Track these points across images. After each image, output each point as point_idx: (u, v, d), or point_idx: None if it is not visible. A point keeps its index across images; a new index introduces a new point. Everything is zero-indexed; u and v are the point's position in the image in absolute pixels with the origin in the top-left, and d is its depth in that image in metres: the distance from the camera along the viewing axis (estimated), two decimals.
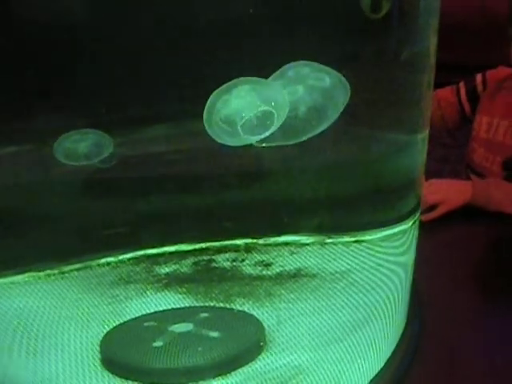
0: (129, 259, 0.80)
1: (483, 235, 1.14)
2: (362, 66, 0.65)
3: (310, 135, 0.62)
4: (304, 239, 0.81)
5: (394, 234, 0.74)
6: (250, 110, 0.58)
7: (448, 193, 1.20)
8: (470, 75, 1.43)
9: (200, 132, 0.65)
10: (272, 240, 0.81)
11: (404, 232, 0.74)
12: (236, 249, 0.80)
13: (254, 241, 0.81)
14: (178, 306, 0.73)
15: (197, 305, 0.73)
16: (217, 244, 0.80)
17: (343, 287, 0.74)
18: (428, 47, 0.70)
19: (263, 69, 0.60)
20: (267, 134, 0.59)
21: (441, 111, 1.41)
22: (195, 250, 0.80)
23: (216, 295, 0.74)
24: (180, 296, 0.75)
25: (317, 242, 0.81)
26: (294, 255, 0.80)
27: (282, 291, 0.75)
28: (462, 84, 1.42)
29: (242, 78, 0.59)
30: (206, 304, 0.73)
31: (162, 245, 0.80)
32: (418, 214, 0.78)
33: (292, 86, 0.60)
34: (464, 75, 1.44)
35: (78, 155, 0.70)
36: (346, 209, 0.75)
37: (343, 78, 0.61)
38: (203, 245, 0.80)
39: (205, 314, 0.69)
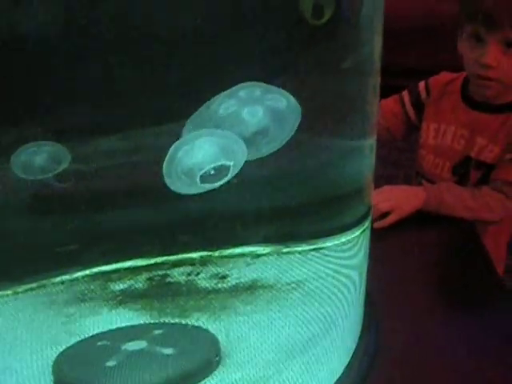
0: (83, 277, 0.78)
1: (436, 241, 1.15)
2: (305, 74, 0.64)
3: (264, 154, 0.63)
4: (260, 250, 0.80)
5: (347, 241, 0.74)
6: (210, 162, 0.59)
7: (400, 199, 1.19)
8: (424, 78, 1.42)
9: (153, 145, 0.64)
10: (228, 252, 0.80)
11: (356, 238, 0.74)
12: (191, 262, 0.79)
13: (210, 253, 0.79)
14: (133, 323, 0.71)
15: (151, 321, 0.71)
16: (172, 258, 0.78)
17: (299, 297, 0.73)
18: (372, 52, 0.70)
19: (208, 84, 0.59)
20: (221, 183, 0.61)
21: (386, 123, 1.40)
22: (150, 265, 0.78)
23: (171, 310, 0.73)
24: (135, 313, 0.73)
25: (273, 251, 0.80)
26: (250, 266, 0.79)
27: (238, 304, 0.74)
28: (405, 93, 1.41)
29: (204, 130, 0.60)
30: (161, 320, 0.71)
31: (117, 261, 0.78)
32: (370, 219, 0.77)
33: (251, 106, 0.60)
34: (419, 79, 1.43)
35: (34, 169, 0.68)
36: (298, 217, 0.75)
37: (295, 100, 0.61)
38: (158, 259, 0.79)
39: (159, 331, 0.68)
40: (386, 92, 1.42)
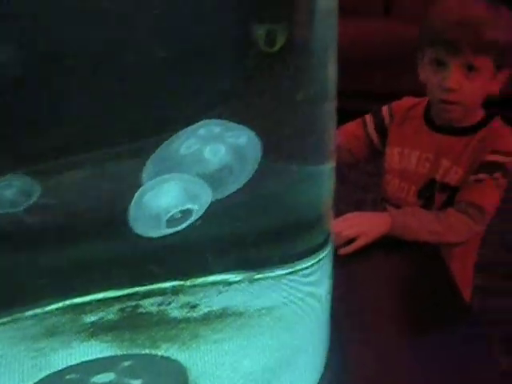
0: (56, 310, 0.77)
1: (402, 266, 1.15)
2: (258, 102, 0.64)
3: (228, 193, 0.64)
4: (232, 277, 0.80)
5: (310, 266, 0.74)
6: (176, 206, 0.61)
7: (365, 226, 1.19)
8: (387, 102, 1.43)
9: (121, 179, 0.65)
10: (199, 281, 0.80)
11: (318, 262, 0.74)
12: (163, 292, 0.78)
13: (182, 283, 0.79)
14: (103, 356, 0.71)
15: (122, 353, 0.71)
16: (143, 289, 0.78)
17: (268, 323, 0.73)
18: (327, 79, 0.70)
19: (164, 120, 0.60)
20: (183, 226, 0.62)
21: (349, 146, 1.40)
22: (122, 296, 0.78)
23: (142, 341, 0.72)
24: (105, 344, 0.72)
25: (245, 278, 0.80)
26: (222, 294, 0.79)
27: (208, 332, 0.73)
28: (368, 116, 1.41)
29: (171, 174, 0.61)
30: (131, 351, 0.71)
31: (89, 293, 0.78)
32: (331, 242, 0.78)
33: (213, 144, 0.61)
34: (383, 103, 1.43)
35: (4, 202, 0.67)
36: (263, 244, 0.75)
37: (255, 136, 0.61)
38: (130, 290, 0.78)
39: (127, 362, 0.67)
40: (349, 116, 1.43)
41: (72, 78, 0.60)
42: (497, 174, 1.25)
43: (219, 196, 0.63)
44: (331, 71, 0.71)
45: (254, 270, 0.78)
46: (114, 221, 0.75)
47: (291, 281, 0.76)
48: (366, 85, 3.23)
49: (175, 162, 0.60)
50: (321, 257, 0.74)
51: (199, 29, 0.59)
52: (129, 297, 0.77)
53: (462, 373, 0.81)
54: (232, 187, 0.63)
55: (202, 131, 0.60)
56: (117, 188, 0.68)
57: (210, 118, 0.61)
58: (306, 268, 0.75)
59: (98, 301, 0.77)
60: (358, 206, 2.43)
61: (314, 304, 0.75)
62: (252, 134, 0.61)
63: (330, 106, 0.73)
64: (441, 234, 1.22)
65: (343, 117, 1.41)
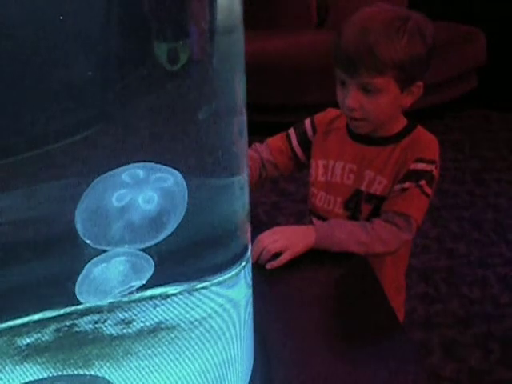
0: None
1: (330, 279, 1.13)
2: (164, 118, 0.63)
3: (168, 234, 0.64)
4: (171, 290, 0.78)
5: (229, 277, 0.73)
6: (121, 284, 0.63)
7: (291, 239, 1.16)
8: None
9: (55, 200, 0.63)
10: (137, 296, 0.78)
11: (236, 274, 0.74)
12: (99, 310, 0.76)
13: (119, 299, 0.77)
14: (36, 378, 0.68)
15: (54, 374, 0.69)
16: (80, 307, 0.76)
17: (198, 335, 0.73)
18: (234, 93, 0.69)
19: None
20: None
21: (274, 160, 1.37)
22: (59, 315, 0.76)
23: (75, 361, 0.71)
24: (39, 367, 0.70)
25: (185, 290, 0.78)
26: (157, 308, 0.78)
27: (140, 348, 0.72)
28: (291, 131, 1.39)
29: (118, 250, 0.61)
30: (65, 372, 0.69)
31: (26, 314, 0.75)
32: (249, 254, 0.78)
33: (144, 192, 0.59)
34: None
35: None
36: (186, 257, 0.74)
37: (180, 174, 0.61)
38: (67, 309, 0.76)
39: None
40: (276, 128, 1.42)
41: None
42: (422, 182, 1.24)
43: (161, 237, 0.62)
44: (238, 85, 0.70)
45: (179, 282, 0.76)
46: (51, 241, 0.73)
47: (215, 292, 0.75)
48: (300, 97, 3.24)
49: (112, 216, 0.58)
50: (239, 268, 0.74)
51: (100, 49, 0.58)
52: (65, 316, 0.75)
53: (391, 381, 0.80)
54: (171, 228, 0.61)
55: (126, 178, 0.58)
56: (53, 209, 0.66)
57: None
58: (227, 279, 0.74)
59: (35, 322, 0.74)
60: (299, 218, 2.40)
61: (237, 314, 0.74)
62: (175, 172, 0.59)
63: (239, 119, 0.72)
64: (369, 244, 1.20)
65: (279, 129, 1.41)
